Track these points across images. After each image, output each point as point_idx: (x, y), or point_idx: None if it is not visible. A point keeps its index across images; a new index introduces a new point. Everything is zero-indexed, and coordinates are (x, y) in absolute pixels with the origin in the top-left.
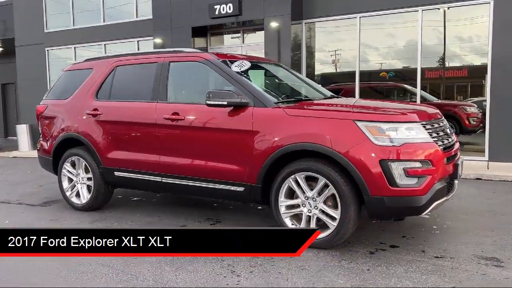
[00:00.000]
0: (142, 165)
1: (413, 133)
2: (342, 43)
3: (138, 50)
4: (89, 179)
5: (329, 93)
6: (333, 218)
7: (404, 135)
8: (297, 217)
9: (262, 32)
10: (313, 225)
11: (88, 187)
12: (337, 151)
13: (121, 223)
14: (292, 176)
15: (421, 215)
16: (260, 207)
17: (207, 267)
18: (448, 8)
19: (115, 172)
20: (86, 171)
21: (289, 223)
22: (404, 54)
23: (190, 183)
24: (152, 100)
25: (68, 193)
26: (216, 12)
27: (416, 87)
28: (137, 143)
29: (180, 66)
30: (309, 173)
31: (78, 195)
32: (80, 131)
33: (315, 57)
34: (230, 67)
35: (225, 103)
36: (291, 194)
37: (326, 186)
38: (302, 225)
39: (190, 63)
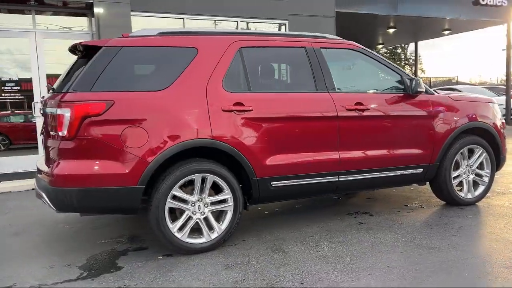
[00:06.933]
0: (314, 166)
1: None
2: None
3: None
4: (216, 203)
5: None
6: (482, 177)
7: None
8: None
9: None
10: (466, 188)
11: (213, 213)
12: (492, 126)
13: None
14: (462, 150)
15: None
16: (336, 197)
17: None
18: (253, 22)
19: (272, 183)
20: (212, 192)
21: (457, 191)
22: None
23: (374, 175)
24: (319, 90)
25: (179, 235)
26: None
27: None
28: (310, 141)
29: (332, 53)
30: (470, 146)
31: (195, 231)
32: (216, 134)
33: None
34: None
35: (424, 90)
36: None
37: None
38: (465, 189)
39: (343, 51)
